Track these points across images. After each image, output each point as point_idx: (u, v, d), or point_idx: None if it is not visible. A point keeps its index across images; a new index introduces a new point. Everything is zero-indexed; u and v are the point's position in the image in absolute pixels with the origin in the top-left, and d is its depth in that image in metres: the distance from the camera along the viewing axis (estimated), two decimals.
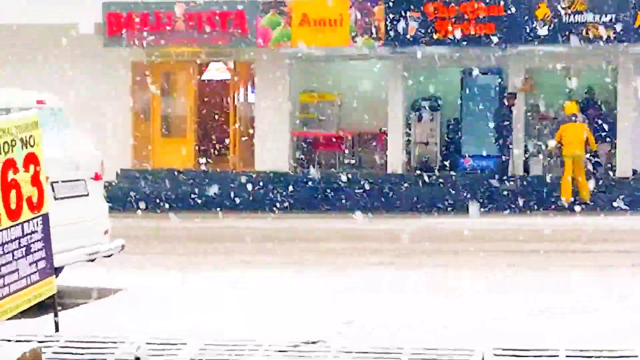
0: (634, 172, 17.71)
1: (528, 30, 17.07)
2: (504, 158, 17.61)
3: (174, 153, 18.92)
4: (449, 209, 16.85)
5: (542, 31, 17.06)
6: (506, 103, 17.53)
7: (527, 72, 18.11)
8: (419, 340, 6.42)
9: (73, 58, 18.46)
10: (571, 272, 9.76)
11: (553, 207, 16.54)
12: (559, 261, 10.80)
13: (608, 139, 17.86)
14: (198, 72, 19.71)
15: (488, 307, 7.60)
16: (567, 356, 6.03)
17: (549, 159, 17.97)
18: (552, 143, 16.96)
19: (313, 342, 6.45)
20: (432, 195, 17.20)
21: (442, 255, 11.45)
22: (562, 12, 17.10)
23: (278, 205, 17.27)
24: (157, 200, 17.69)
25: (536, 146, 17.95)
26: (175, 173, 18.24)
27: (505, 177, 17.27)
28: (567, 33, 16.98)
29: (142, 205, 17.08)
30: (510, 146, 17.47)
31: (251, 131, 19.10)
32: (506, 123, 17.39)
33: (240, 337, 6.59)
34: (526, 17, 17.14)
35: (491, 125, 18.23)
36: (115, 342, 6.45)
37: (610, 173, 17.78)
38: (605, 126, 17.69)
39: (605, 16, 16.94)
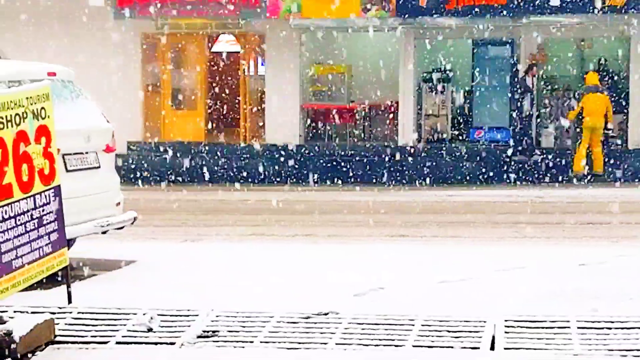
0: None
1: (540, 1, 16.91)
2: (517, 130, 17.51)
3: (184, 125, 18.92)
4: (461, 181, 16.82)
5: (555, 1, 16.90)
6: (526, 74, 17.34)
7: (540, 43, 17.96)
8: (431, 311, 6.43)
9: (83, 30, 18.42)
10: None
11: (566, 179, 16.49)
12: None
13: (620, 110, 17.73)
14: (208, 44, 19.65)
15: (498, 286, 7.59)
16: (578, 327, 6.03)
17: (566, 130, 17.80)
18: (571, 114, 16.76)
19: (324, 314, 6.47)
20: (443, 168, 17.16)
21: (453, 228, 11.43)
22: None
23: (289, 177, 17.28)
24: (168, 173, 17.73)
25: (550, 118, 17.80)
26: (186, 145, 18.25)
27: (521, 149, 17.13)
28: (579, 3, 16.82)
29: (152, 177, 17.13)
30: (527, 118, 17.29)
31: (261, 104, 19.06)
32: (524, 95, 17.17)
33: (252, 309, 6.61)
34: None
35: (503, 96, 18.13)
36: (127, 313, 6.48)
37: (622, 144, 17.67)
38: (618, 97, 17.56)
39: None
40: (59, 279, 6.81)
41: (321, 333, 6.09)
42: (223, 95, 19.24)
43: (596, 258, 8.46)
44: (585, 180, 16.10)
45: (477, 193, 15.32)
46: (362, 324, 6.23)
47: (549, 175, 16.80)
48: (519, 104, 17.32)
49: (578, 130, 16.77)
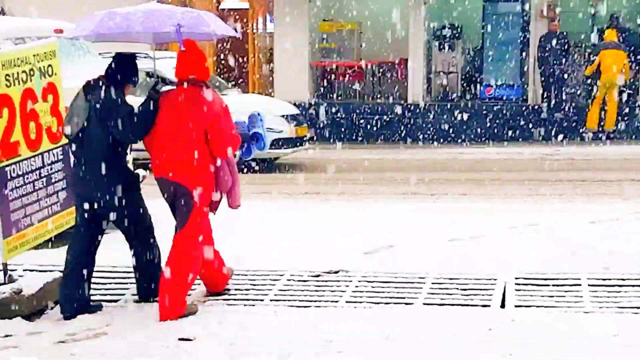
0: None
1: None
2: (530, 87, 17.31)
3: None
4: (471, 139, 16.73)
5: None
6: (550, 29, 17.03)
7: None
8: (441, 269, 6.41)
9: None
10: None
11: (578, 136, 16.38)
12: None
13: (634, 67, 17.53)
14: (217, 1, 19.48)
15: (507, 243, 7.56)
16: (589, 285, 6.01)
17: (583, 85, 17.57)
18: (589, 69, 16.50)
19: (335, 272, 6.46)
20: (454, 125, 17.06)
21: (463, 186, 11.38)
22: None
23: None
24: None
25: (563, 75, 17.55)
26: None
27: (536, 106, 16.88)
28: None
29: None
30: (547, 75, 16.99)
31: (270, 61, 18.93)
32: (553, 50, 16.80)
33: (261, 267, 6.60)
34: None
35: (513, 53, 17.95)
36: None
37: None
38: (631, 54, 17.36)
39: None
40: (68, 237, 6.80)
41: (331, 291, 6.09)
42: (232, 52, 19.11)
43: (608, 215, 8.41)
44: (601, 136, 15.96)
45: (488, 150, 15.24)
46: (373, 282, 6.22)
47: (561, 132, 16.68)
48: (538, 61, 16.90)
49: (593, 86, 16.54)
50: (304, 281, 6.30)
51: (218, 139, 5.68)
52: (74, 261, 5.83)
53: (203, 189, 5.72)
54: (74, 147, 5.82)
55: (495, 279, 6.16)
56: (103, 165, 5.69)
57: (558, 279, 6.13)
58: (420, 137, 16.93)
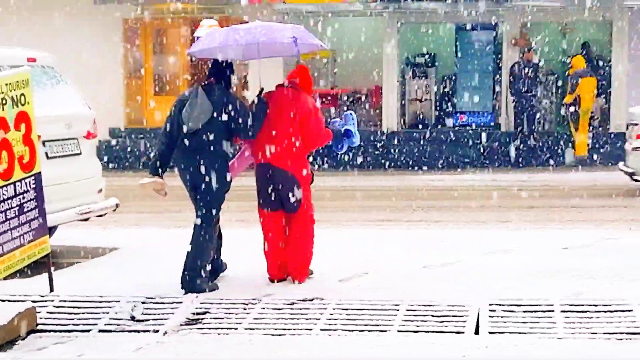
0: (627, 126, 17.66)
1: None
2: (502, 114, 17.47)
3: (167, 111, 18.78)
4: (444, 165, 16.83)
5: None
6: (523, 57, 17.22)
7: (522, 27, 17.96)
8: (415, 296, 6.42)
9: (64, 15, 18.25)
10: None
11: (548, 163, 16.54)
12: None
13: (602, 94, 17.78)
14: (191, 29, 19.51)
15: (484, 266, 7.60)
16: (562, 311, 6.04)
17: (555, 112, 17.79)
18: (569, 97, 16.64)
19: (309, 300, 6.45)
20: (427, 152, 17.16)
21: (437, 212, 11.44)
22: None
23: None
24: (151, 159, 17.63)
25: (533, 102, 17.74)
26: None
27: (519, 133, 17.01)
28: None
29: (135, 164, 17.02)
30: (519, 102, 17.14)
31: (245, 88, 18.96)
32: (525, 78, 16.96)
33: (236, 295, 6.58)
34: None
35: (486, 80, 18.14)
36: (110, 302, 6.44)
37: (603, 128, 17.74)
38: (600, 81, 17.59)
39: None
40: (40, 266, 6.75)
41: (306, 319, 6.07)
42: (207, 80, 19.13)
43: (581, 241, 8.48)
44: (577, 164, 16.13)
45: (462, 177, 15.34)
46: (347, 309, 6.21)
47: (533, 158, 16.84)
48: (518, 88, 17.05)
49: (570, 113, 16.69)
50: (279, 309, 6.29)
51: (311, 133, 6.74)
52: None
53: (305, 172, 6.79)
54: (188, 141, 6.58)
55: (469, 305, 6.17)
56: (214, 158, 6.54)
57: (531, 304, 6.16)
58: (395, 164, 17.01)
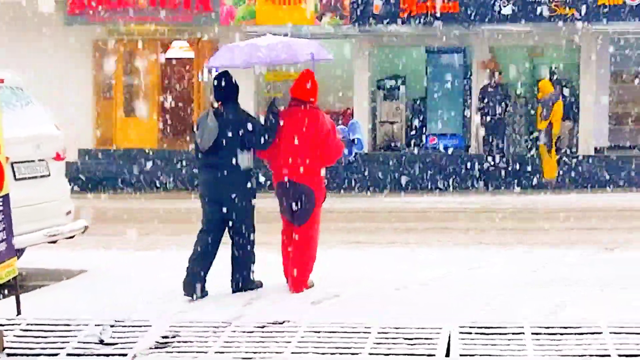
0: (596, 150, 17.87)
1: (492, 9, 17.08)
2: (472, 137, 17.59)
3: (137, 132, 18.73)
4: (415, 188, 16.88)
5: (506, 10, 17.08)
6: (492, 80, 17.37)
7: (491, 50, 18.15)
8: (387, 318, 6.41)
9: (34, 36, 18.15)
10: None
11: (518, 185, 16.66)
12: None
13: (571, 118, 17.98)
14: (161, 51, 19.49)
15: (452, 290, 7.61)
16: (532, 333, 6.06)
17: (518, 136, 17.95)
18: (544, 123, 16.74)
19: (280, 323, 6.42)
20: (398, 175, 17.21)
21: (408, 234, 11.46)
22: None
23: None
24: (120, 180, 17.53)
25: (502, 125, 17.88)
26: (138, 153, 18.05)
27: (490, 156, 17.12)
28: (530, 11, 17.02)
29: (104, 185, 16.91)
30: (488, 126, 17.26)
31: None
32: (494, 102, 17.11)
33: (206, 319, 6.53)
34: None
35: (456, 103, 18.27)
36: (78, 325, 6.37)
37: (571, 151, 17.92)
38: (569, 105, 17.80)
39: None
40: (8, 289, 6.66)
41: (277, 342, 6.04)
42: (176, 102, 19.08)
43: (550, 263, 8.52)
44: (544, 186, 16.26)
45: (432, 199, 15.39)
46: (319, 332, 6.19)
47: (502, 181, 16.95)
48: (486, 111, 17.18)
49: (542, 137, 16.83)
50: (250, 332, 6.25)
51: (331, 150, 7.18)
52: (202, 254, 7.15)
53: (321, 189, 7.28)
54: (207, 157, 7.05)
55: (440, 328, 6.18)
56: (233, 173, 7.00)
57: (502, 327, 6.18)
58: (365, 186, 17.04)
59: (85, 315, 6.57)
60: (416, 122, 18.70)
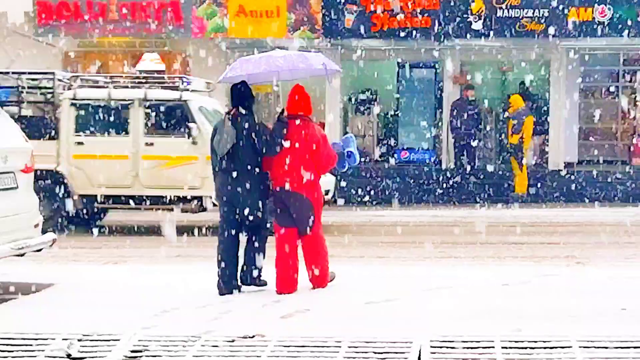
0: (565, 164, 18.03)
1: (463, 24, 17.21)
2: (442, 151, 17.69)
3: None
4: (386, 201, 16.91)
5: (477, 25, 17.23)
6: (463, 95, 17.49)
7: (463, 65, 18.27)
8: (357, 332, 6.39)
9: (4, 47, 18.00)
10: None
11: (494, 200, 16.75)
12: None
13: (541, 132, 18.13)
14: (132, 63, 19.39)
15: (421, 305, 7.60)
16: (502, 347, 6.06)
17: (495, 149, 18.09)
18: (516, 137, 16.85)
19: (250, 337, 6.37)
20: (369, 188, 17.23)
21: (379, 248, 11.46)
22: (497, 6, 17.28)
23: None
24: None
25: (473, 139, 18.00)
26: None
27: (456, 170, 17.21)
28: (501, 27, 17.18)
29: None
30: (459, 140, 17.36)
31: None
32: (465, 116, 17.22)
33: (175, 332, 6.47)
34: (462, 11, 17.28)
35: (427, 118, 18.35)
36: (45, 339, 6.28)
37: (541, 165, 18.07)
38: (539, 119, 17.96)
39: (539, 11, 17.18)
40: None
41: (246, 357, 5.99)
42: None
43: (520, 277, 8.55)
44: (513, 200, 16.36)
45: (403, 213, 15.41)
46: (289, 346, 6.15)
47: (473, 195, 17.03)
48: (458, 124, 17.29)
49: (514, 152, 16.92)
50: (219, 346, 6.19)
51: (323, 159, 7.61)
52: (226, 255, 7.65)
53: (317, 196, 7.68)
54: (224, 163, 7.52)
55: (410, 342, 6.16)
56: (249, 176, 7.48)
57: (472, 341, 6.17)
58: (337, 199, 17.04)
59: (52, 329, 6.48)
60: (388, 136, 18.77)
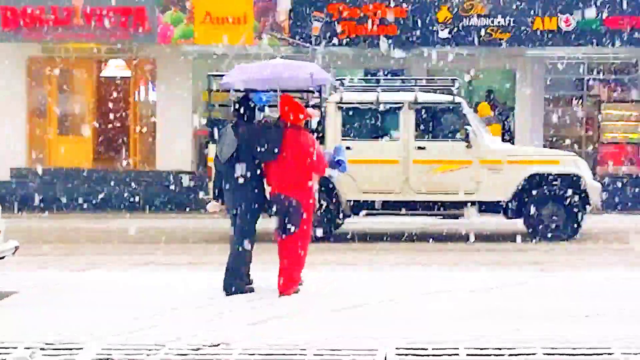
0: None
1: (430, 33, 17.30)
2: None
3: (72, 152, 18.44)
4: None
5: (443, 34, 17.32)
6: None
7: (429, 73, 18.35)
8: (322, 340, 6.37)
9: None
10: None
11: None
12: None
13: (507, 140, 18.24)
14: (97, 69, 19.27)
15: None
16: (467, 354, 6.08)
17: None
18: None
19: (216, 345, 6.32)
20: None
21: (345, 254, 11.43)
22: (463, 15, 17.40)
23: (179, 205, 17.01)
24: (54, 200, 17.18)
25: None
26: (73, 172, 17.75)
27: None
28: (467, 36, 17.29)
29: (37, 205, 16.56)
30: None
31: (153, 130, 18.77)
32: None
33: (140, 340, 6.41)
34: (428, 20, 17.38)
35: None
36: (7, 347, 6.19)
37: None
38: (505, 128, 18.08)
39: (505, 20, 17.32)
40: None
41: None
42: (113, 121, 18.86)
43: (486, 284, 8.58)
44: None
45: (373, 220, 15.40)
46: (253, 354, 6.12)
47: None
48: None
49: None
50: (183, 355, 6.14)
51: (314, 166, 7.94)
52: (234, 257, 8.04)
53: (308, 201, 7.92)
54: (226, 168, 7.92)
55: (376, 349, 6.16)
56: (246, 181, 7.84)
57: (438, 348, 6.18)
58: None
59: (14, 337, 6.39)
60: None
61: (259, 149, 7.88)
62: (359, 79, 15.51)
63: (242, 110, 8.10)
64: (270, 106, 12.33)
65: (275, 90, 10.67)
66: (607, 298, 7.79)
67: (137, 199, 17.06)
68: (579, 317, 7.06)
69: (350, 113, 12.73)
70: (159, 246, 12.18)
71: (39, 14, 17.48)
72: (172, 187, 17.40)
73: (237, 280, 8.02)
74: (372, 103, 12.66)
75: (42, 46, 18.22)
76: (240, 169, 7.89)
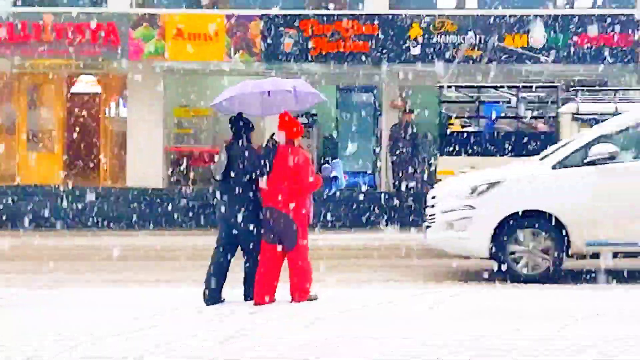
0: None
1: (402, 49, 17.36)
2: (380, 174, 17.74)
3: (41, 168, 18.25)
4: (325, 226, 16.84)
5: (415, 50, 17.39)
6: (402, 119, 17.58)
7: (401, 90, 18.42)
8: (297, 358, 6.30)
9: None
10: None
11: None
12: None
13: None
14: (67, 85, 19.12)
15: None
16: None
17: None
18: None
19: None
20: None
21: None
22: (434, 32, 17.49)
23: (150, 222, 16.85)
24: (21, 217, 16.92)
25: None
26: (42, 189, 17.52)
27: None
28: (438, 53, 17.38)
29: (4, 222, 16.33)
30: (397, 163, 17.41)
31: (123, 146, 18.63)
32: (403, 140, 17.27)
33: (108, 355, 6.30)
34: (400, 37, 17.45)
35: (366, 142, 18.40)
36: None
37: None
38: None
39: (475, 37, 17.43)
40: None
41: None
42: (83, 137, 18.70)
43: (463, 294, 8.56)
44: None
45: (352, 237, 15.38)
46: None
47: (411, 219, 17.04)
48: (396, 149, 17.34)
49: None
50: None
51: (306, 181, 8.20)
52: (216, 268, 8.29)
53: (300, 214, 8.19)
54: (220, 184, 8.30)
55: None
56: (241, 197, 8.17)
57: None
58: None
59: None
60: (327, 160, 18.75)
61: (250, 167, 8.20)
62: (593, 90, 13.85)
63: (235, 128, 8.43)
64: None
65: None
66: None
67: (106, 215, 16.87)
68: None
69: (588, 124, 11.76)
70: (126, 263, 12.04)
71: (9, 29, 17.32)
72: (142, 204, 17.22)
73: (251, 288, 8.32)
74: (611, 115, 11.30)
75: (12, 62, 18.05)
76: (236, 185, 8.19)
